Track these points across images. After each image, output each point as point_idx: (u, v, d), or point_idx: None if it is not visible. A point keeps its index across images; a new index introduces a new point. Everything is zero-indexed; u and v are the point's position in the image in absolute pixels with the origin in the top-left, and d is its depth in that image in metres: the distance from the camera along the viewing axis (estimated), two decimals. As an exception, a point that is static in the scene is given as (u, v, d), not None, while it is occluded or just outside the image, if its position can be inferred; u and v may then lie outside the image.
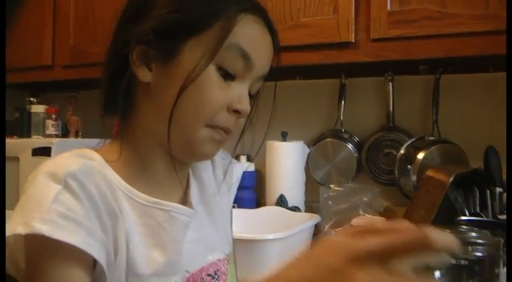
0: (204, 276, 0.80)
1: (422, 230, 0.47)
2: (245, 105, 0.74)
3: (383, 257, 0.47)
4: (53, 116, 2.24)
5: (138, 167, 0.75)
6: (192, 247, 0.78)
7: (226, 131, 0.75)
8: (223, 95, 0.73)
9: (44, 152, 1.79)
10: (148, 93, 0.74)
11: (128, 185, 0.72)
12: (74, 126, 2.24)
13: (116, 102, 0.74)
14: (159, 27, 0.71)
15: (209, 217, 0.85)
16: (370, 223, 0.50)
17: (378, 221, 0.45)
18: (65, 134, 2.31)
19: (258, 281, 0.54)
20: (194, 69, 0.70)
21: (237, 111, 0.74)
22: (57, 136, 2.23)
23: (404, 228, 0.48)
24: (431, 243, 0.46)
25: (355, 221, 1.46)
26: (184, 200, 0.81)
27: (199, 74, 0.71)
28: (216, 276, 0.82)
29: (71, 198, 0.64)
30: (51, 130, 2.23)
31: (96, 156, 0.72)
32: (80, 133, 2.25)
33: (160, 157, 0.76)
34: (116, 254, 0.68)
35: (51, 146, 1.79)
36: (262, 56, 0.75)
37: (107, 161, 0.73)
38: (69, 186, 0.64)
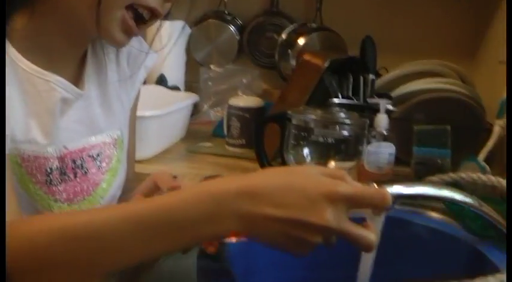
0: (84, 156, 0.79)
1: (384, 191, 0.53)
2: None
3: (350, 204, 0.51)
4: None
5: (33, 39, 0.71)
6: (74, 126, 0.77)
7: (154, 11, 0.72)
8: None
9: None
10: None
11: (14, 50, 0.68)
12: None
13: None
14: None
15: (101, 99, 0.82)
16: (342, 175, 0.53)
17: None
18: None
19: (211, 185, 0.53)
20: None
21: None
22: None
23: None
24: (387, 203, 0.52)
25: (232, 101, 1.48)
26: (78, 78, 0.78)
27: None
28: (98, 158, 0.81)
29: None
30: None
31: None
32: None
33: (60, 30, 0.72)
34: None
35: None
36: None
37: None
38: None
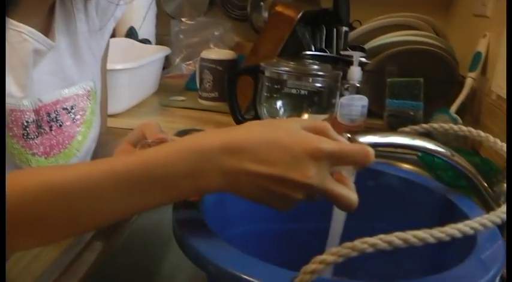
0: (58, 109, 0.77)
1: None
2: None
3: (334, 161, 0.51)
4: None
5: None
6: (47, 78, 0.75)
7: None
8: None
9: None
10: None
11: None
12: None
13: None
14: None
15: (72, 50, 0.80)
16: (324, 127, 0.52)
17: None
18: None
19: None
20: None
21: None
22: None
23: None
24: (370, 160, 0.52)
25: (204, 54, 1.46)
26: (48, 30, 0.76)
27: None
28: (72, 111, 0.80)
29: None
30: None
31: None
32: None
33: None
34: None
35: None
36: None
37: None
38: None
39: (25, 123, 0.72)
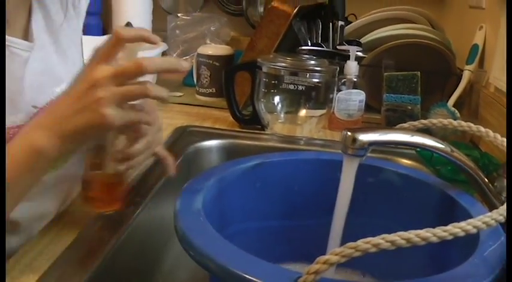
0: None
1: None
2: None
3: (117, 81, 0.58)
4: None
5: None
6: (37, 79, 0.75)
7: None
8: None
9: None
10: None
11: None
12: None
13: None
14: None
15: (55, 46, 0.80)
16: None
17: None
18: None
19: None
20: None
21: None
22: None
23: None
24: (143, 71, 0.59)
25: (201, 49, 1.46)
26: (27, 31, 0.75)
27: None
28: None
29: None
30: None
31: None
32: None
33: None
34: None
35: None
36: None
37: None
38: None
39: None
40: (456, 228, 0.43)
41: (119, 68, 0.58)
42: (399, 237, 0.41)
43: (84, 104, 0.58)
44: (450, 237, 0.43)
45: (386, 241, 0.41)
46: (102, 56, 0.60)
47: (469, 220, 0.45)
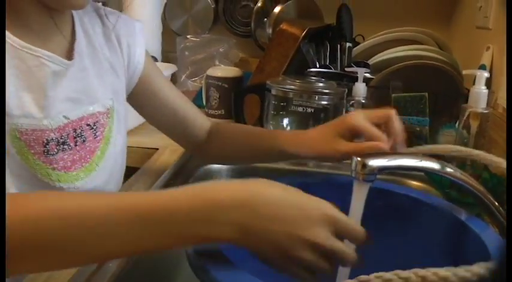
0: (83, 125, 0.82)
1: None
2: None
3: (337, 230, 0.54)
4: None
5: (12, 14, 0.72)
6: (74, 96, 0.79)
7: None
8: None
9: None
10: None
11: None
12: None
13: None
14: None
15: (95, 70, 0.85)
16: None
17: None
18: None
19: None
20: None
21: None
22: None
23: None
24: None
25: (210, 71, 1.47)
26: (70, 52, 0.81)
27: None
28: (94, 127, 0.84)
29: None
30: None
31: None
32: None
33: (30, 4, 0.74)
34: None
35: None
36: None
37: None
38: None
39: (45, 141, 0.76)
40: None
41: (350, 224, 0.55)
42: (414, 275, 0.41)
43: (300, 231, 0.52)
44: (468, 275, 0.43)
45: (399, 278, 0.41)
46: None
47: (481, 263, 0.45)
